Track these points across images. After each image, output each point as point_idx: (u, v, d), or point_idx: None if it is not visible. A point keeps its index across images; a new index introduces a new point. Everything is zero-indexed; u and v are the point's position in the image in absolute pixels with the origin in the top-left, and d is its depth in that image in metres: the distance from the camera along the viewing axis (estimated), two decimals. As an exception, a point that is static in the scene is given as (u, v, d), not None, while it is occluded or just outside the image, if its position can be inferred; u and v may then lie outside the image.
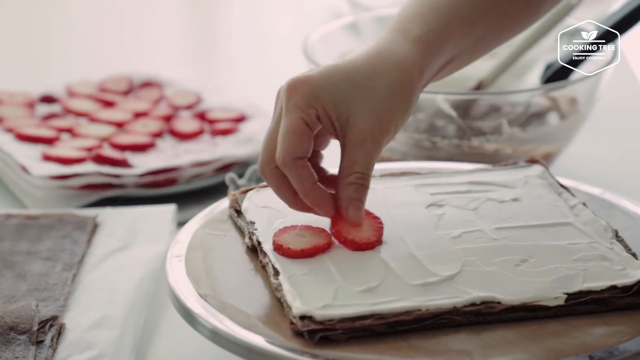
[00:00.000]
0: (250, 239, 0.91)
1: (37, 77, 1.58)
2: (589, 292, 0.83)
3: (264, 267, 0.88)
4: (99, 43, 1.76)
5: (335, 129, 0.87)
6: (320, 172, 0.91)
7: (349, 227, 0.88)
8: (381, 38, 0.90)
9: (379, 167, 1.06)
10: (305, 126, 0.85)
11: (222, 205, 0.98)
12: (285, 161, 0.85)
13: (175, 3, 1.98)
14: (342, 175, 0.87)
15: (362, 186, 0.87)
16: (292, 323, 0.80)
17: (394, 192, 0.97)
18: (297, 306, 0.80)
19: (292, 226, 0.90)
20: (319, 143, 0.90)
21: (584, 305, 0.82)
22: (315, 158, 0.91)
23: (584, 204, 0.95)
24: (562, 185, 0.98)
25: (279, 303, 0.84)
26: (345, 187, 0.87)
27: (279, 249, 0.87)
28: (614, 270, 0.85)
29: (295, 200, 0.88)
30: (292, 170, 0.86)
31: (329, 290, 0.82)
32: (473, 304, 0.81)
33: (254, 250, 0.91)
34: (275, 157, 0.86)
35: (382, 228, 0.89)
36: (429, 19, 0.90)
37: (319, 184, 0.87)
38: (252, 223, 0.92)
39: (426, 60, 0.89)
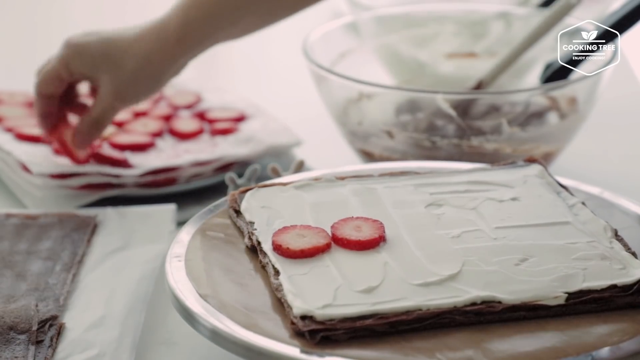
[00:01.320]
0: (250, 239, 0.91)
1: (37, 76, 1.58)
2: (589, 292, 0.83)
3: (263, 267, 0.88)
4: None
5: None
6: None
7: (349, 229, 0.88)
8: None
9: (378, 166, 1.06)
10: (57, 77, 1.14)
11: (221, 205, 0.98)
12: None
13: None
14: None
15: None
16: (292, 323, 0.80)
17: (394, 192, 0.97)
18: (298, 306, 0.80)
19: (291, 226, 0.89)
20: None
21: (585, 304, 0.82)
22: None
23: (583, 203, 0.95)
24: (560, 185, 0.98)
25: (279, 303, 0.83)
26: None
27: (278, 249, 0.87)
28: (614, 270, 0.85)
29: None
30: None
31: (330, 290, 0.82)
32: (474, 304, 0.81)
33: (254, 250, 0.91)
34: None
35: (383, 227, 0.89)
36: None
37: None
38: (252, 223, 0.92)
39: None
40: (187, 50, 1.10)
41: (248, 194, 0.97)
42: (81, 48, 1.11)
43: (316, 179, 0.99)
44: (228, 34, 1.11)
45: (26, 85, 1.38)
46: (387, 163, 1.10)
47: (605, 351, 0.78)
